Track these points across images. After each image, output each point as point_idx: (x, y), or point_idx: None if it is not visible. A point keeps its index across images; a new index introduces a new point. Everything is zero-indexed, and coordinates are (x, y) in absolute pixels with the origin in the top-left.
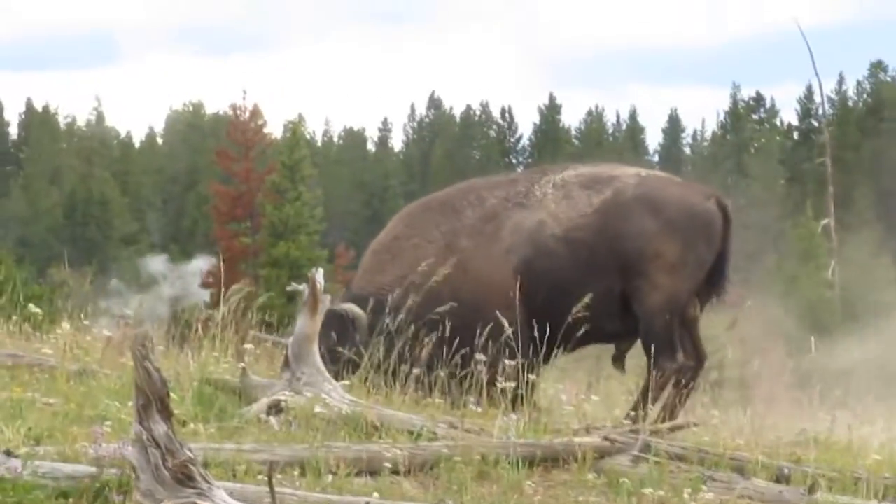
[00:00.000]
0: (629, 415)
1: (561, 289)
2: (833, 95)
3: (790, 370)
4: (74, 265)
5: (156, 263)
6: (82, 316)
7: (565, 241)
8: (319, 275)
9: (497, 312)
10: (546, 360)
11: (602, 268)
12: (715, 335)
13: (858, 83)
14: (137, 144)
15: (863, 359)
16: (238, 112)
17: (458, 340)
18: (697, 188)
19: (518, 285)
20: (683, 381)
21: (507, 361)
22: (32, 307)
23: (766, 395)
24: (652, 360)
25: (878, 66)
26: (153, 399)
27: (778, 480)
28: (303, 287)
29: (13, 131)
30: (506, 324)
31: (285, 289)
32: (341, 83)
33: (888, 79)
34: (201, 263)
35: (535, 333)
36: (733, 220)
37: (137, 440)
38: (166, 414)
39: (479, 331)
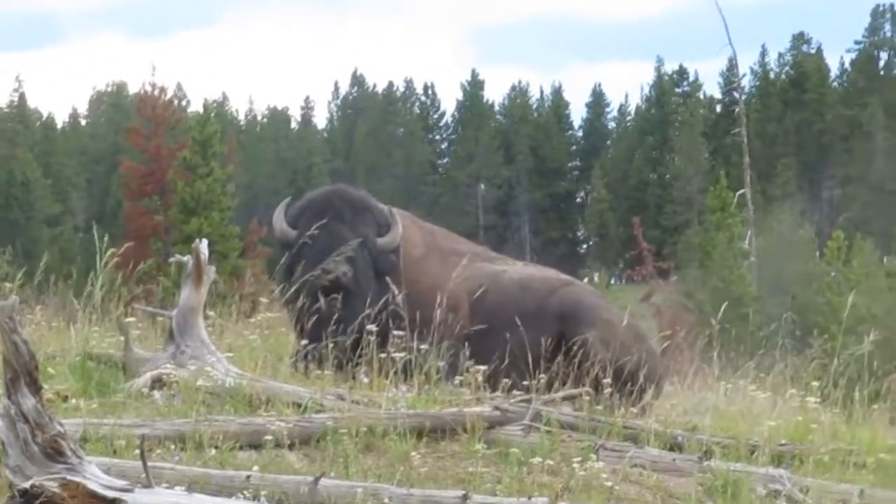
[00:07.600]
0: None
1: None
2: (756, 68)
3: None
4: None
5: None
6: None
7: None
8: (204, 246)
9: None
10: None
11: None
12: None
13: (780, 55)
14: (60, 126)
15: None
16: (153, 90)
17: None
18: None
19: None
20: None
21: (396, 332)
22: None
23: (674, 368)
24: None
25: (800, 39)
26: (21, 372)
27: (672, 449)
28: (186, 258)
29: None
30: (394, 290)
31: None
32: (265, 63)
33: (811, 51)
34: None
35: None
36: None
37: (6, 415)
38: (35, 388)
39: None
